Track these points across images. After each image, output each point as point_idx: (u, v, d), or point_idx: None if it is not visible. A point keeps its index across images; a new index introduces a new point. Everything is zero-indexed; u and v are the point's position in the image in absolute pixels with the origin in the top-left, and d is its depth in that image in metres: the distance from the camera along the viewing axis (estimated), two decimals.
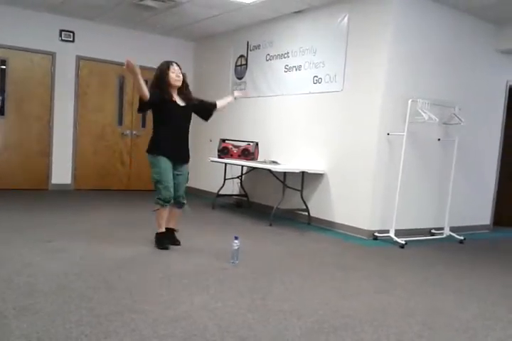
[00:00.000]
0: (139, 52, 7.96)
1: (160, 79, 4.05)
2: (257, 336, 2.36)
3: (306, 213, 5.88)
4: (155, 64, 8.56)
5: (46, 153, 7.43)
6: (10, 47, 7.00)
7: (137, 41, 7.95)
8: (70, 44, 7.41)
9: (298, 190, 5.88)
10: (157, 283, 3.10)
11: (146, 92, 3.89)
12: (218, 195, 6.82)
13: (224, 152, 6.55)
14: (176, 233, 4.25)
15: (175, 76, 4.04)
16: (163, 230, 4.12)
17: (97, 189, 7.80)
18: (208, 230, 5.13)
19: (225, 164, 6.78)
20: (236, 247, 3.67)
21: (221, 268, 3.56)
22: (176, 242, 4.19)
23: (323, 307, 2.85)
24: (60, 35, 7.32)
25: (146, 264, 3.56)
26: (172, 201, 4.05)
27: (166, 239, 4.10)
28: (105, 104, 7.85)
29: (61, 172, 7.55)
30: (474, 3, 5.27)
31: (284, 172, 5.69)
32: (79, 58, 7.52)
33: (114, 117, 7.93)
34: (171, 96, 4.04)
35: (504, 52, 6.08)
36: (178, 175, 4.11)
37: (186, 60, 8.46)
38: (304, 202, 5.88)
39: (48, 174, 7.47)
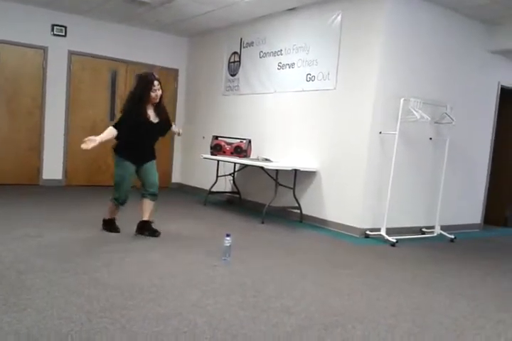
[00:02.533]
0: (132, 47, 7.94)
1: (139, 96, 4.17)
2: (248, 333, 2.36)
3: (299, 211, 5.89)
4: (147, 59, 8.55)
5: (37, 149, 7.38)
6: (1, 42, 6.93)
7: (130, 36, 7.91)
8: (62, 39, 7.34)
9: (290, 188, 5.88)
10: (148, 280, 3.09)
11: (110, 136, 4.10)
12: (210, 192, 6.81)
13: (216, 149, 6.54)
14: (152, 224, 4.50)
15: (154, 95, 4.20)
16: (111, 218, 4.54)
17: (88, 185, 7.75)
18: (200, 227, 5.12)
19: (218, 161, 6.77)
20: (228, 244, 3.67)
21: (212, 265, 3.56)
22: (156, 233, 4.43)
23: (314, 305, 2.86)
24: (52, 30, 7.25)
25: (136, 261, 3.55)
26: (126, 202, 4.42)
27: (112, 225, 4.52)
28: (97, 99, 7.80)
29: (52, 168, 7.50)
30: (466, 3, 5.28)
31: (277, 170, 5.69)
32: (71, 53, 7.46)
33: (106, 112, 7.88)
34: (145, 114, 4.22)
35: (495, 52, 6.11)
36: (145, 169, 4.39)
37: (179, 55, 8.45)
38: (296, 200, 5.89)
39: (38, 169, 7.42)
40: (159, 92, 4.21)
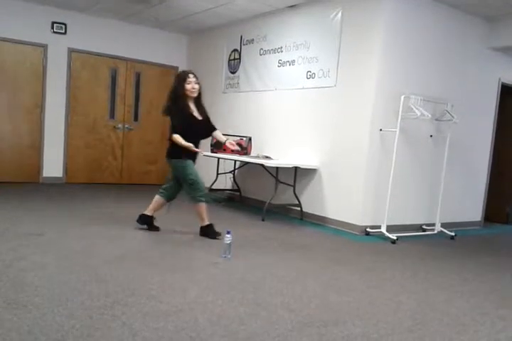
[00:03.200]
0: (132, 45, 7.93)
1: (177, 91, 4.24)
2: (248, 330, 2.36)
3: (299, 208, 5.89)
4: (147, 57, 8.54)
5: (37, 146, 7.38)
6: (1, 39, 6.92)
7: (130, 34, 7.89)
8: (62, 36, 7.33)
9: (290, 185, 5.88)
10: (148, 277, 3.09)
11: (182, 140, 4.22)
12: (211, 190, 6.81)
13: (217, 146, 6.53)
14: (154, 220, 4.57)
15: (190, 87, 4.22)
16: (208, 223, 4.41)
17: (89, 182, 7.76)
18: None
19: (218, 159, 6.76)
20: (228, 241, 3.67)
21: (213, 262, 3.56)
22: (156, 228, 4.54)
23: (314, 302, 2.86)
24: (52, 27, 7.24)
25: (137, 258, 3.55)
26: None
27: (214, 229, 4.41)
28: (97, 97, 7.79)
29: (52, 166, 7.50)
30: (468, 0, 5.27)
31: (277, 168, 5.69)
32: (71, 51, 7.45)
33: (106, 110, 7.88)
34: (189, 109, 4.28)
35: (496, 49, 6.10)
36: None
37: (179, 53, 8.44)
38: (297, 197, 5.89)
39: (39, 167, 7.42)
40: (196, 85, 4.23)
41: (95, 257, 3.47)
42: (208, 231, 4.39)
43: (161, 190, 4.52)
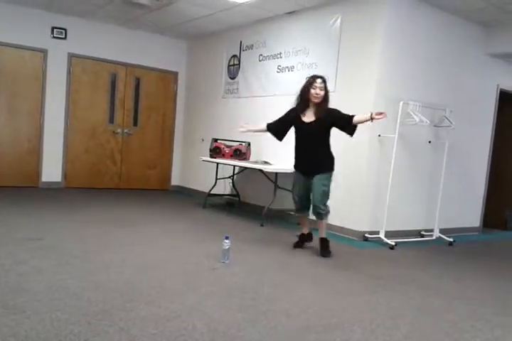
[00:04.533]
0: (132, 50, 7.96)
1: (302, 93, 4.21)
2: (247, 336, 2.36)
3: None
4: (147, 62, 8.57)
5: (37, 151, 7.38)
6: (1, 44, 6.94)
7: (130, 39, 7.92)
8: (62, 41, 7.35)
9: (289, 191, 5.86)
10: (147, 282, 3.09)
11: (262, 128, 4.61)
12: (209, 195, 6.81)
13: (216, 152, 6.54)
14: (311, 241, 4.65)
15: (314, 93, 4.11)
16: (302, 232, 4.61)
17: (88, 187, 7.75)
18: (199, 230, 5.11)
19: (217, 164, 6.77)
20: (227, 247, 3.67)
21: (211, 268, 3.56)
22: (326, 254, 4.32)
23: (313, 307, 2.86)
24: (52, 32, 7.27)
25: (135, 264, 3.54)
26: (307, 211, 4.49)
27: (300, 241, 4.60)
28: (97, 102, 7.80)
29: (51, 170, 7.49)
30: (466, 7, 5.31)
31: (276, 173, 5.69)
32: (71, 56, 7.47)
33: (105, 115, 7.89)
34: (299, 112, 4.23)
35: (494, 55, 6.13)
36: (312, 184, 4.27)
37: (179, 58, 8.47)
38: None
39: (38, 171, 7.42)
40: (320, 91, 4.08)
41: (94, 262, 3.47)
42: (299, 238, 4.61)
43: None
